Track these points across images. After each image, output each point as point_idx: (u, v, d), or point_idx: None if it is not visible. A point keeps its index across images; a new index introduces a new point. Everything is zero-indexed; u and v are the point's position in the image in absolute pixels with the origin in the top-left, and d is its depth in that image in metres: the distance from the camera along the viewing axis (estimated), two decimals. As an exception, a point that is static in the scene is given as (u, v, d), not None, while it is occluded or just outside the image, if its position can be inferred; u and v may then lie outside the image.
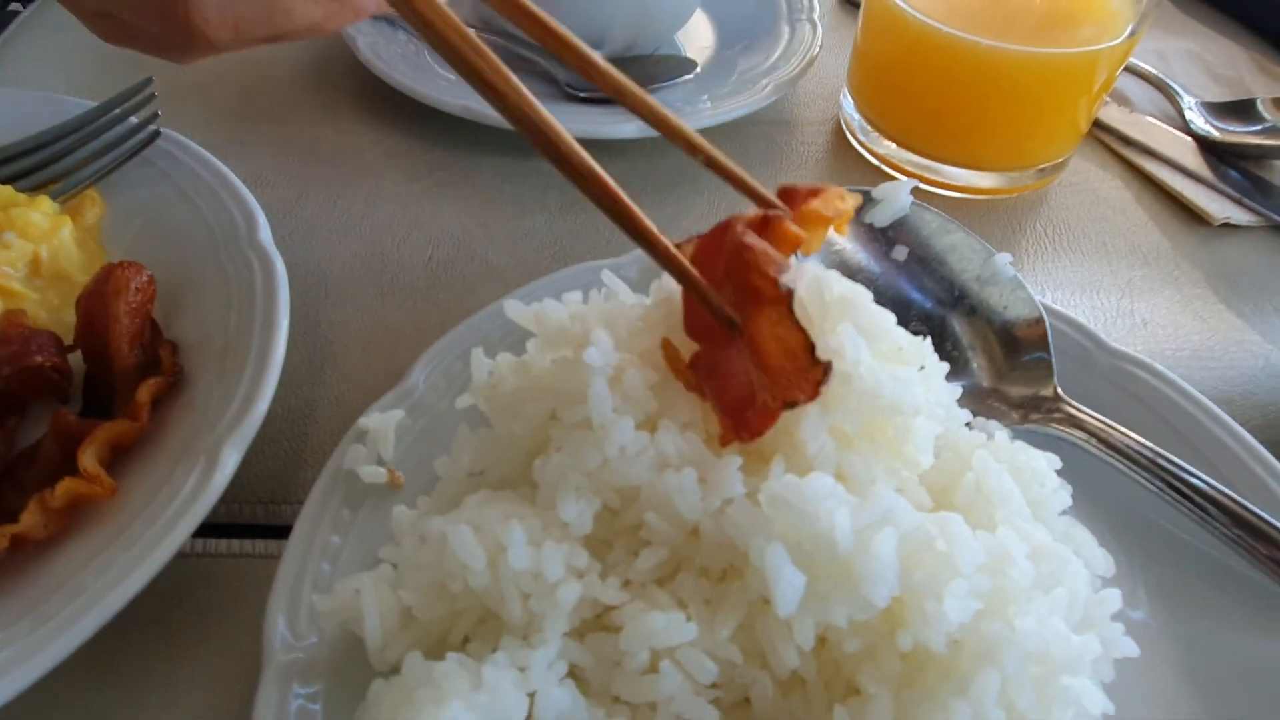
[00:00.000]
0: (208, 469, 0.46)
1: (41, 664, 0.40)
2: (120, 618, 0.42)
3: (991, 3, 0.72)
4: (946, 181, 0.76)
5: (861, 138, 0.80)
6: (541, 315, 0.45)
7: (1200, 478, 0.50)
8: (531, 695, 0.37)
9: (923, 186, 0.76)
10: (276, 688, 0.40)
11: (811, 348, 0.38)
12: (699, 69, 0.79)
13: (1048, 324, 0.56)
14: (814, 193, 0.43)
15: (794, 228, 0.42)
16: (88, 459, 0.45)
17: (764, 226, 0.42)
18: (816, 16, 0.85)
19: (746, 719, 0.39)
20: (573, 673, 0.39)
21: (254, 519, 0.52)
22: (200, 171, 0.62)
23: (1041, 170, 0.76)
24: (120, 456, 0.48)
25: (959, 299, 0.57)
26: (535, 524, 0.39)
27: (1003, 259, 0.57)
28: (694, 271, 0.40)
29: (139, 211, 0.62)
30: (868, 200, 0.58)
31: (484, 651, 0.38)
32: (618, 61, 0.73)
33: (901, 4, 0.70)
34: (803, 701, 0.39)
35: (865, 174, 0.78)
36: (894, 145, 0.77)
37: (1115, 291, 0.70)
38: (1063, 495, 0.46)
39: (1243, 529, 0.48)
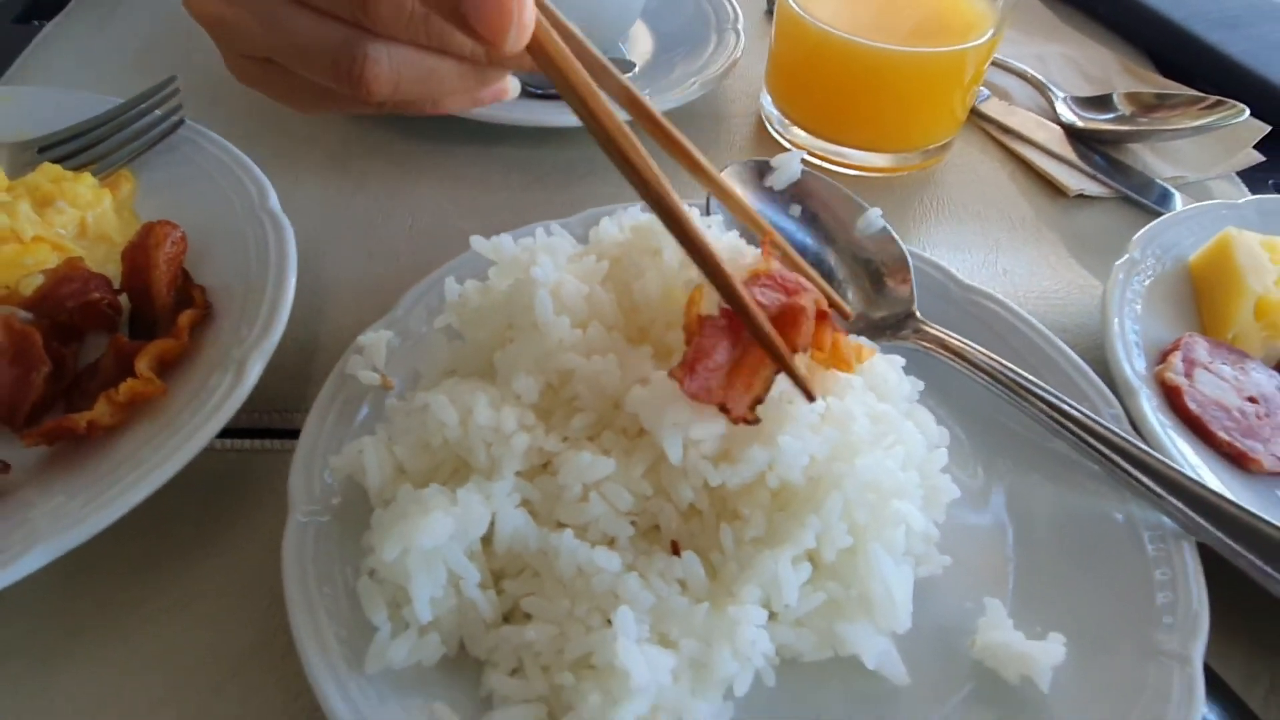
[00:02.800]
0: (238, 375, 0.58)
1: (111, 515, 0.52)
2: (168, 493, 0.54)
3: (879, 12, 0.87)
4: (848, 162, 0.90)
5: (778, 128, 0.94)
6: (498, 246, 0.57)
7: (1030, 380, 0.62)
8: (494, 515, 0.49)
9: (829, 166, 0.90)
10: (300, 523, 0.52)
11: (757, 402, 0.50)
12: (637, 69, 0.93)
13: (910, 263, 0.69)
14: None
15: (848, 342, 0.54)
16: (143, 365, 0.57)
17: (820, 318, 0.53)
18: (740, 26, 0.99)
19: (657, 539, 0.52)
20: (525, 506, 0.51)
21: (270, 424, 0.64)
22: (217, 153, 0.75)
23: (927, 152, 0.91)
24: (165, 370, 0.60)
25: (841, 245, 0.71)
26: (495, 394, 0.52)
27: (874, 213, 0.70)
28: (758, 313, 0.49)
29: (165, 187, 0.74)
30: (767, 169, 0.72)
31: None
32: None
33: (805, 15, 0.84)
34: (699, 525, 0.52)
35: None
36: (804, 133, 0.91)
37: (984, 249, 0.84)
38: (906, 385, 0.59)
39: (1064, 420, 0.61)
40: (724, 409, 0.49)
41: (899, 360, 0.59)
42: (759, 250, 0.55)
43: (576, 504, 0.51)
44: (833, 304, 0.55)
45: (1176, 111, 0.94)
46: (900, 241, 0.70)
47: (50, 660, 0.52)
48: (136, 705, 0.50)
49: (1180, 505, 0.56)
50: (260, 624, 0.54)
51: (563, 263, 0.56)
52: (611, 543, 0.51)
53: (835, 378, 0.55)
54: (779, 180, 0.72)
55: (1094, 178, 0.92)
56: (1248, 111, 0.91)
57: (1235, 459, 0.62)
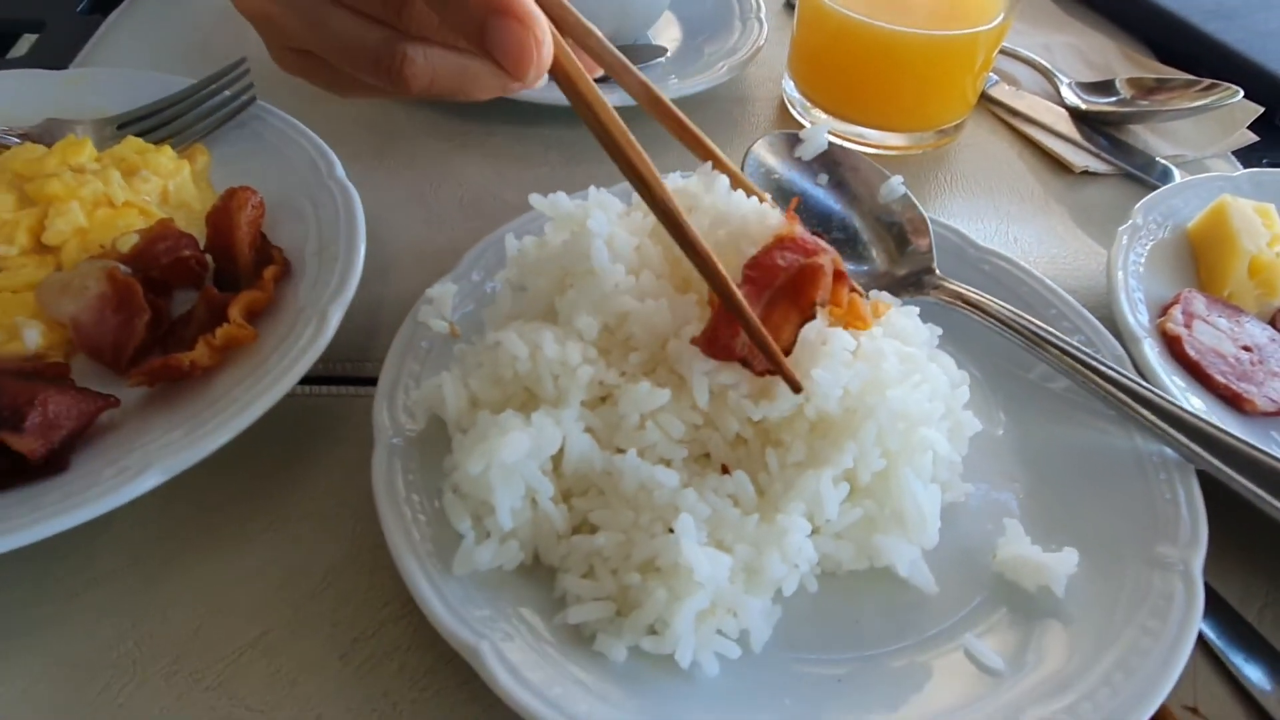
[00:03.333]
0: (320, 324, 0.64)
1: (208, 447, 0.57)
2: (254, 431, 0.59)
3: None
4: (867, 141, 0.96)
5: (800, 110, 0.99)
6: (555, 202, 0.62)
7: (1043, 327, 0.68)
8: (563, 439, 0.55)
9: (849, 146, 0.95)
10: (387, 446, 0.57)
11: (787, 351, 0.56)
12: (669, 54, 0.99)
13: (930, 226, 0.75)
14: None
15: (859, 300, 0.60)
16: (235, 312, 0.63)
17: (837, 277, 0.58)
18: (763, 15, 1.05)
19: (708, 464, 0.58)
20: (588, 433, 0.57)
21: (345, 373, 0.70)
22: (285, 129, 0.81)
23: (940, 132, 0.96)
24: (251, 319, 0.66)
25: (865, 209, 0.76)
26: (559, 332, 0.57)
27: (896, 180, 0.76)
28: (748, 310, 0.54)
29: (237, 159, 0.80)
30: (796, 140, 0.78)
31: (528, 417, 0.56)
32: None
33: (826, 1, 0.90)
34: (746, 451, 0.57)
35: (803, 138, 0.97)
36: (824, 114, 0.96)
37: (995, 220, 0.90)
38: (925, 332, 0.64)
39: (1075, 362, 0.66)
40: (745, 364, 0.55)
41: (914, 310, 0.65)
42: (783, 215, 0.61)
43: (635, 431, 0.56)
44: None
45: (1175, 94, 0.99)
46: (920, 206, 0.76)
47: (159, 577, 0.58)
48: (241, 610, 0.56)
49: (1182, 438, 0.61)
50: (347, 542, 0.59)
51: (614, 218, 0.62)
52: (668, 465, 0.56)
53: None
54: (807, 151, 0.77)
55: (1098, 156, 0.97)
56: (1242, 93, 0.96)
57: (1231, 400, 0.68)
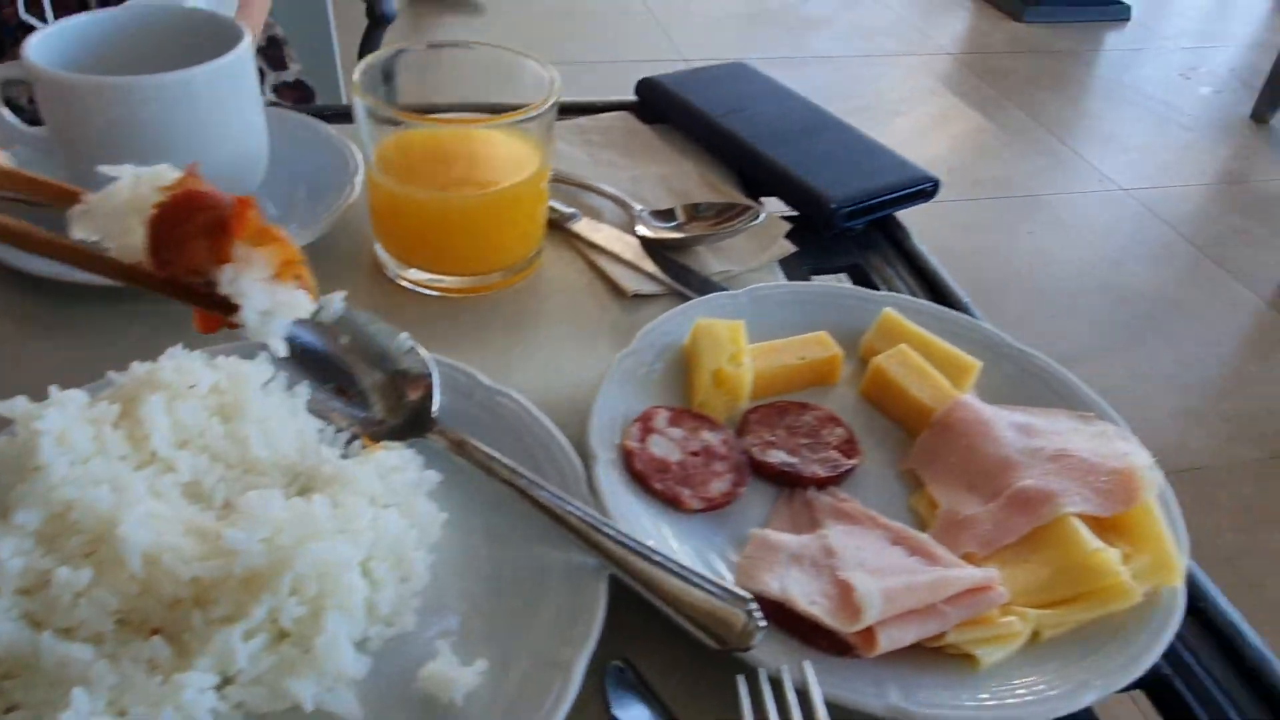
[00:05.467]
0: None
1: None
2: None
3: (433, 166, 1.04)
4: (445, 286, 1.06)
5: (388, 266, 1.09)
6: (11, 407, 0.68)
7: (509, 466, 0.78)
8: (-12, 631, 0.61)
9: (425, 291, 1.06)
10: None
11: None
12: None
13: (434, 372, 0.85)
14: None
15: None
16: None
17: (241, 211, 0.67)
18: (358, 179, 1.15)
19: (145, 628, 0.64)
20: (27, 617, 0.63)
21: None
22: None
23: (509, 270, 1.08)
24: None
25: (382, 365, 0.86)
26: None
27: (403, 336, 0.86)
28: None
29: None
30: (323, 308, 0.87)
31: (-37, 612, 0.61)
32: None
33: (375, 174, 1.02)
34: (183, 613, 0.64)
35: (393, 291, 1.07)
36: (396, 264, 1.07)
37: (551, 348, 1.01)
38: (424, 476, 0.74)
39: (528, 495, 0.76)
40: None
41: (411, 455, 0.74)
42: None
43: (70, 610, 0.62)
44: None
45: (713, 217, 1.16)
46: (425, 356, 0.86)
47: None
48: None
49: (597, 545, 0.72)
50: None
51: (74, 412, 0.69)
52: (99, 638, 0.63)
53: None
54: (327, 315, 0.86)
55: (653, 278, 1.11)
56: (764, 214, 1.13)
57: (671, 502, 0.79)
